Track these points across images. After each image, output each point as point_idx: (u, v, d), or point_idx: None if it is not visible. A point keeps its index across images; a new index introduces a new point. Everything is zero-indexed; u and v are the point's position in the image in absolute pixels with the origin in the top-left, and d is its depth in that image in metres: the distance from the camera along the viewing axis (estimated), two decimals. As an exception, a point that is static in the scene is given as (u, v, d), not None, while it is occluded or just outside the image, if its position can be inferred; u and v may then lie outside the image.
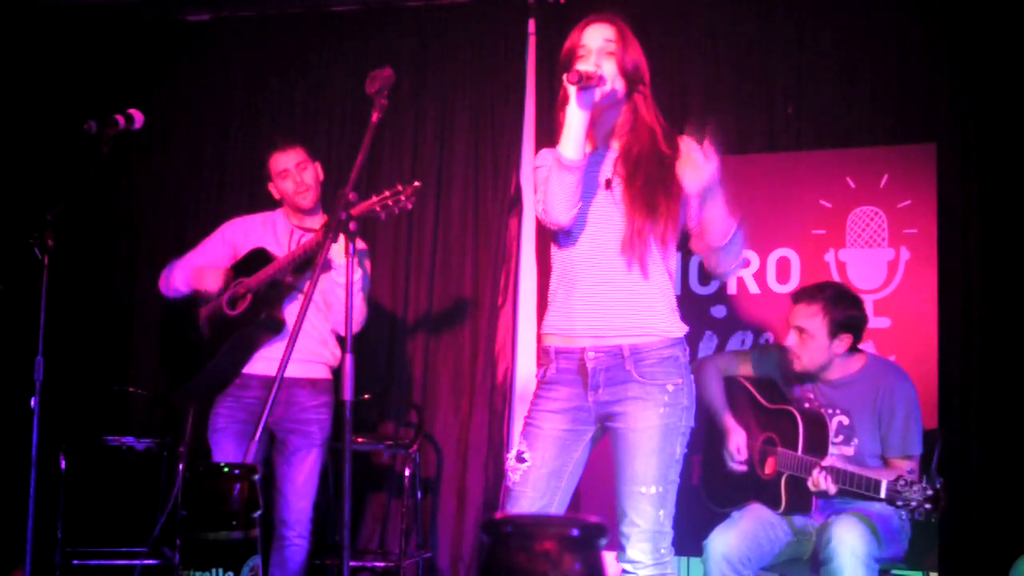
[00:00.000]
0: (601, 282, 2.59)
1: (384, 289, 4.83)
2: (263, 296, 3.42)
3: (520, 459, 2.63)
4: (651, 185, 2.57)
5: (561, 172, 2.52)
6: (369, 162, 4.78)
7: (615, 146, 2.65)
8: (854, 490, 3.00)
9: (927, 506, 2.85)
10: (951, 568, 3.77)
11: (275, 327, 3.44)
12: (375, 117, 2.54)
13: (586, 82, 2.45)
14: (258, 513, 1.13)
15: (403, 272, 4.82)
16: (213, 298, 3.55)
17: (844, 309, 3.28)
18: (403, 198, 3.09)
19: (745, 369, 3.56)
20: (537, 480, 2.61)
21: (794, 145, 4.37)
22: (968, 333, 4.04)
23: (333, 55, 5.01)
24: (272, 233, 3.64)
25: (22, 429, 3.21)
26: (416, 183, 3.15)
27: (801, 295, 3.34)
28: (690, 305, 4.16)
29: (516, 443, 2.70)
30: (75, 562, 4.41)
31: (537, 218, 2.68)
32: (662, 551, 2.54)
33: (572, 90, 2.48)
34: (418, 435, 4.49)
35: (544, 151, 2.70)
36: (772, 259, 4.08)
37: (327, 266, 3.29)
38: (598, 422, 2.64)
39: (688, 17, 4.58)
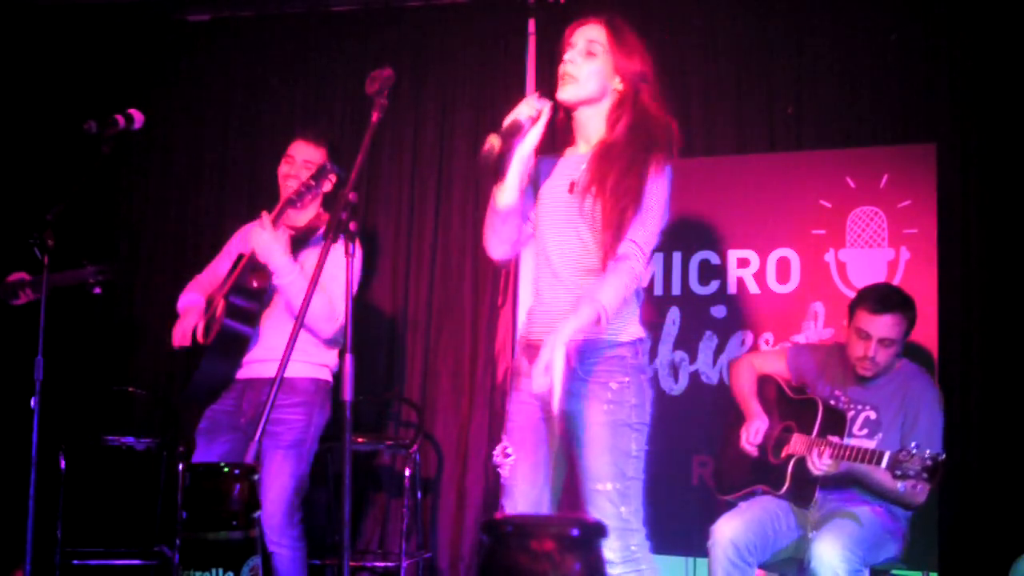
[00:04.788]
0: (560, 284, 2.62)
1: (384, 289, 4.83)
2: (230, 306, 3.37)
3: (506, 454, 2.68)
4: (618, 192, 2.55)
5: (493, 215, 2.63)
6: (369, 162, 4.78)
7: (593, 144, 2.66)
8: (857, 462, 3.08)
9: (924, 475, 2.89)
10: (951, 568, 3.76)
11: (236, 336, 3.38)
12: (375, 117, 2.54)
13: (505, 142, 2.53)
14: (258, 513, 1.13)
15: (403, 272, 4.82)
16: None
17: (914, 312, 3.33)
18: (312, 183, 3.20)
19: (780, 367, 3.59)
20: (525, 472, 2.64)
21: (794, 145, 4.36)
22: (968, 333, 4.04)
23: (333, 55, 5.01)
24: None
25: (22, 429, 3.20)
26: (329, 166, 3.25)
27: (884, 306, 3.28)
28: (690, 305, 4.16)
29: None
30: (75, 562, 4.41)
31: None
32: (632, 548, 2.52)
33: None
34: (418, 435, 4.49)
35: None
36: (772, 259, 4.07)
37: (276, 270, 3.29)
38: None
39: (688, 17, 4.58)
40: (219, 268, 3.67)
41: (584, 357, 2.57)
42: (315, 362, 3.42)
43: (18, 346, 3.61)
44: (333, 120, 4.99)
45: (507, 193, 2.60)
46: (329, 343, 3.45)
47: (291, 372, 3.34)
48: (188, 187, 5.12)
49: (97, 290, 3.74)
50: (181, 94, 5.14)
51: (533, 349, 2.65)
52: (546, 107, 2.57)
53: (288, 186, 3.48)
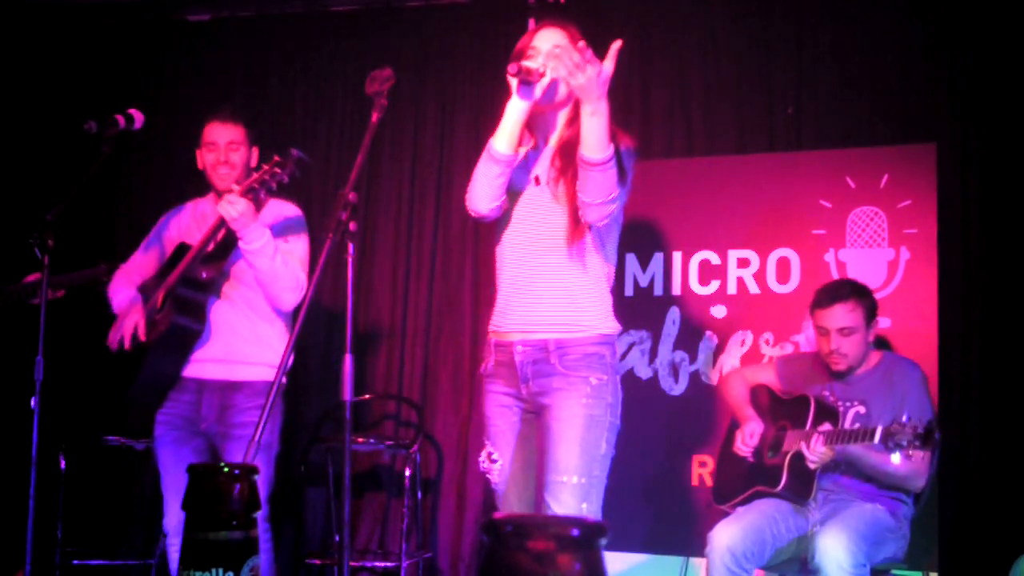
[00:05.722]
0: (532, 278, 2.63)
1: (384, 289, 4.83)
2: (177, 298, 3.23)
3: (491, 459, 2.69)
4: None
5: (488, 162, 2.62)
6: (369, 162, 4.78)
7: (553, 142, 2.70)
8: (852, 444, 3.11)
9: (916, 443, 2.91)
10: (951, 568, 3.77)
11: (185, 332, 3.26)
12: (375, 117, 2.55)
13: (526, 76, 2.52)
14: (258, 513, 1.13)
15: (403, 272, 4.82)
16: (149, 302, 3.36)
17: (869, 297, 3.38)
18: (279, 170, 3.05)
19: (770, 377, 3.61)
20: (515, 473, 2.66)
21: (794, 145, 4.37)
22: (968, 333, 4.04)
23: (333, 55, 5.02)
24: (197, 222, 3.39)
25: (22, 429, 3.20)
26: (294, 152, 3.07)
27: (832, 298, 3.33)
28: (690, 305, 4.16)
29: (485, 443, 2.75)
30: (75, 562, 4.41)
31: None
32: None
33: (513, 83, 2.56)
34: (418, 435, 4.49)
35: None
36: (772, 259, 4.08)
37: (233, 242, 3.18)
38: (533, 413, 2.68)
39: (688, 17, 4.58)
40: (149, 258, 3.48)
41: (565, 351, 2.59)
42: (273, 364, 3.25)
43: (18, 346, 3.60)
44: (333, 120, 5.00)
45: (504, 139, 2.60)
46: (286, 317, 3.33)
47: (252, 375, 3.25)
48: (188, 187, 5.10)
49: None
50: (181, 94, 5.14)
51: (504, 349, 2.66)
52: (549, 71, 2.56)
53: (221, 174, 3.31)
